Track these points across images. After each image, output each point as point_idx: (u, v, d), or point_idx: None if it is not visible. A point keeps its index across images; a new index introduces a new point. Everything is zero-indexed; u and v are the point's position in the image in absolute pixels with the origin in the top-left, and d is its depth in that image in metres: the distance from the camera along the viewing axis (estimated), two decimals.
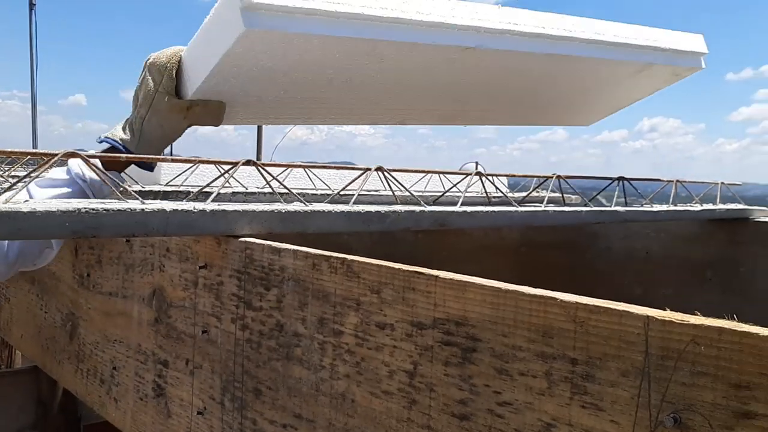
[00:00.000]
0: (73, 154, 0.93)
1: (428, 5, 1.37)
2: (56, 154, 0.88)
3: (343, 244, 2.76)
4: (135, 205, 0.87)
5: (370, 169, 1.23)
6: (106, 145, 1.32)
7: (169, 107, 1.30)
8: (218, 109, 1.37)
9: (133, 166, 1.39)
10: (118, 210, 0.84)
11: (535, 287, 0.63)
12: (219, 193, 1.01)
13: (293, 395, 0.89)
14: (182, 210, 0.90)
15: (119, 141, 1.31)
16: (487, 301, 0.65)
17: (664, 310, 0.54)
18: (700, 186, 1.99)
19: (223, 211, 0.94)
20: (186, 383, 1.12)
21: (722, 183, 1.95)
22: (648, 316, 0.53)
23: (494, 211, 1.37)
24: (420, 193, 2.19)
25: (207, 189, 1.08)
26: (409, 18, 1.34)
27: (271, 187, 1.13)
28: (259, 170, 1.10)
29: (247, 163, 1.08)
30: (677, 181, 1.80)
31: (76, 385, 1.55)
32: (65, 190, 1.23)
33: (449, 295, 0.69)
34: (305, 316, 0.86)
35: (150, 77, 1.31)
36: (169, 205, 0.90)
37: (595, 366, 0.57)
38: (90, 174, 1.24)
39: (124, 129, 1.33)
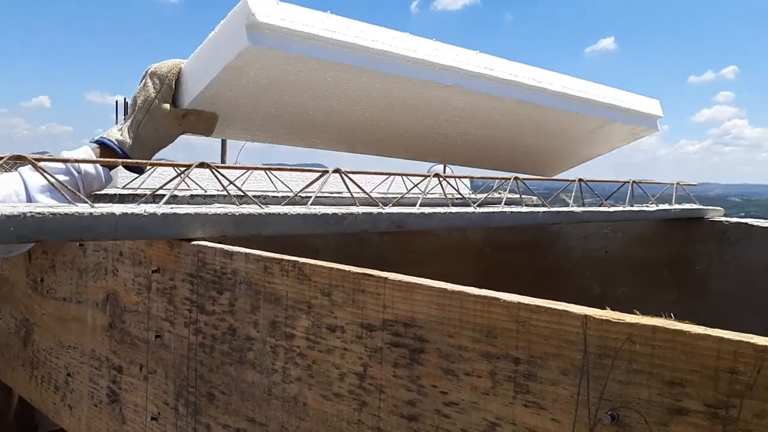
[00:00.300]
0: (19, 157, 0.91)
1: (415, 43, 1.50)
2: (2, 157, 0.86)
3: (310, 245, 2.75)
4: (83, 209, 0.85)
5: (328, 171, 1.23)
6: (94, 146, 1.39)
7: (166, 114, 1.40)
8: (211, 119, 1.48)
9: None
10: (65, 214, 0.83)
11: (499, 287, 0.63)
12: (177, 197, 1.01)
13: (246, 399, 0.88)
14: (132, 213, 0.89)
15: (115, 142, 1.39)
16: (434, 302, 0.66)
17: (621, 309, 0.55)
18: (664, 186, 2.03)
19: (175, 214, 0.93)
20: (140, 389, 1.10)
21: (678, 183, 1.99)
22: (586, 316, 0.54)
23: (452, 213, 1.38)
24: (383, 195, 2.20)
25: (161, 192, 1.07)
26: (397, 52, 1.45)
27: (225, 189, 1.13)
28: (213, 173, 1.10)
29: (201, 165, 1.07)
30: (633, 181, 1.84)
31: (30, 392, 1.52)
32: (62, 177, 1.27)
33: (398, 296, 0.69)
34: (257, 320, 0.86)
35: (151, 85, 1.41)
36: (118, 209, 0.88)
37: (537, 365, 0.58)
38: (86, 167, 1.31)
39: (120, 131, 1.41)
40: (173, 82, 1.42)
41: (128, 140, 1.39)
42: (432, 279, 0.68)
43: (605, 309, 0.55)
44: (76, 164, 1.30)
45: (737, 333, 0.47)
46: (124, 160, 1.34)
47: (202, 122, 1.47)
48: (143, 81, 1.42)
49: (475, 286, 0.64)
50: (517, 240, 2.53)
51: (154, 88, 1.40)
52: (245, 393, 0.88)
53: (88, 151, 1.35)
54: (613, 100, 1.94)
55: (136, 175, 1.60)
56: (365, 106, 1.61)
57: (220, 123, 1.52)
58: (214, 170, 1.09)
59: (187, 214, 0.95)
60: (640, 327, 0.51)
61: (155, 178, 1.76)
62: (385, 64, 1.45)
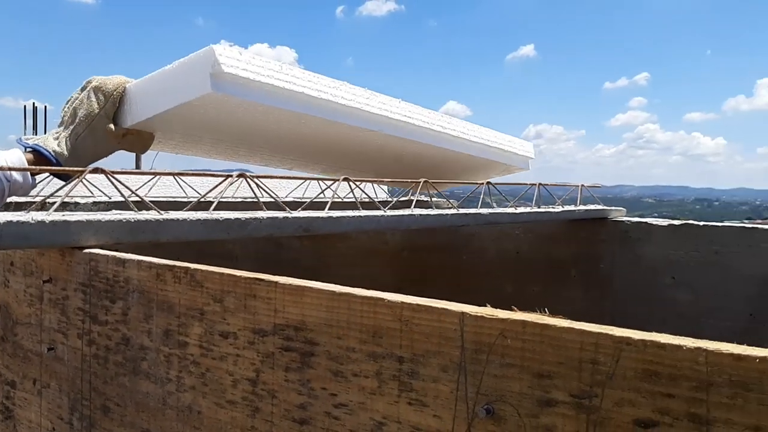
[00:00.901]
0: None
1: (352, 93, 1.69)
2: None
3: (227, 252, 2.71)
4: None
5: (231, 176, 1.22)
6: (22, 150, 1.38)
7: (108, 132, 1.42)
8: (149, 139, 1.53)
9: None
10: None
11: (417, 289, 0.64)
12: (79, 204, 0.97)
13: (141, 410, 0.86)
14: (17, 221, 0.85)
15: (51, 152, 1.38)
16: (323, 304, 0.66)
17: (532, 307, 0.57)
18: (569, 189, 2.10)
19: (65, 221, 0.90)
20: (34, 404, 1.06)
21: (582, 185, 2.06)
22: (463, 313, 0.55)
23: (361, 216, 1.38)
24: (297, 200, 2.19)
25: (52, 199, 1.03)
26: (336, 101, 1.64)
27: (122, 195, 1.09)
28: (108, 178, 1.06)
29: (95, 171, 1.03)
30: (539, 184, 1.89)
31: None
32: None
33: (288, 300, 0.69)
34: (151, 329, 0.84)
35: (95, 99, 1.42)
36: (2, 217, 0.85)
37: (419, 363, 0.59)
38: (16, 176, 1.32)
39: (57, 141, 1.41)
40: (117, 101, 1.44)
41: (65, 152, 1.39)
42: (352, 283, 0.68)
43: (516, 308, 0.57)
44: (9, 173, 1.30)
45: (598, 325, 0.50)
46: (53, 168, 1.33)
47: (141, 142, 1.50)
48: (85, 93, 1.43)
49: (394, 289, 0.64)
50: (434, 242, 2.56)
51: (98, 103, 1.41)
52: (140, 404, 0.86)
53: (19, 156, 1.33)
54: (501, 144, 2.30)
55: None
56: (297, 138, 1.79)
57: (155, 141, 1.59)
58: (109, 176, 1.06)
59: (78, 221, 0.91)
60: (511, 322, 0.53)
61: (56, 185, 1.70)
62: (325, 111, 1.63)
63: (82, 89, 1.44)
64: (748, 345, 0.45)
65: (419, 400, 0.59)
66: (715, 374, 0.44)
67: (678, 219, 2.05)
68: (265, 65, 1.45)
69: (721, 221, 2.05)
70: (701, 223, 1.95)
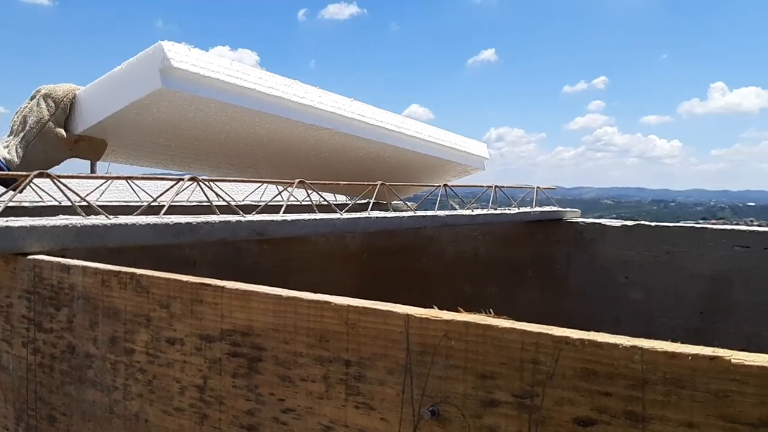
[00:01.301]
0: None
1: (303, 91, 1.70)
2: None
3: (185, 258, 2.67)
4: None
5: (183, 179, 1.20)
6: None
7: (58, 138, 1.42)
8: (101, 146, 1.52)
9: None
10: None
11: (377, 292, 0.64)
12: (27, 208, 0.95)
13: (87, 419, 0.84)
14: None
15: (2, 159, 1.38)
16: (270, 309, 0.65)
17: (490, 309, 0.57)
18: (525, 191, 2.12)
19: (7, 227, 0.88)
20: None
21: (538, 187, 2.09)
22: (408, 315, 0.56)
23: (316, 219, 1.38)
24: (253, 203, 2.17)
25: None
26: (288, 98, 1.64)
27: (69, 200, 1.07)
28: (54, 182, 1.04)
29: (40, 175, 1.01)
30: (496, 186, 1.91)
31: None
32: None
33: (235, 305, 0.68)
34: (96, 336, 0.82)
35: (45, 107, 1.41)
36: None
37: (366, 366, 0.59)
38: None
39: (8, 149, 1.40)
40: (68, 107, 1.43)
41: (15, 159, 1.38)
42: (312, 288, 0.67)
43: (465, 310, 0.57)
44: None
45: (539, 325, 0.50)
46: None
47: (93, 149, 1.50)
48: (35, 101, 1.42)
49: (354, 293, 0.64)
50: (393, 245, 2.57)
51: (48, 110, 1.41)
52: (86, 413, 0.84)
53: None
54: (455, 144, 2.34)
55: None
56: (252, 140, 1.79)
57: (109, 149, 1.58)
58: (54, 180, 1.04)
59: (21, 226, 0.89)
60: (455, 323, 0.53)
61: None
62: (277, 108, 1.64)
63: (32, 98, 1.44)
64: (700, 343, 0.46)
65: (366, 403, 0.58)
66: (650, 372, 0.45)
67: (635, 220, 2.09)
68: (215, 61, 1.45)
69: (677, 222, 2.09)
70: (653, 224, 1.99)
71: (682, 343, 0.46)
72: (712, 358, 0.43)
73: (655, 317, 1.95)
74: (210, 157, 1.96)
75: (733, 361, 0.43)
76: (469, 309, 0.58)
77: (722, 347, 0.45)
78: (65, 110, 1.43)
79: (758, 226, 2.05)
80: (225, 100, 1.49)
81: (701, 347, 0.44)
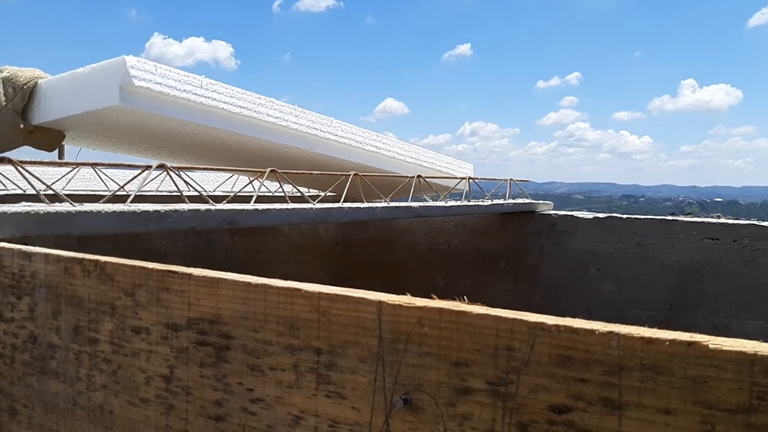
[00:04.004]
0: None
1: (279, 111, 1.64)
2: None
3: (155, 249, 2.63)
4: None
5: (150, 167, 1.17)
6: None
7: (14, 125, 1.38)
8: (57, 138, 1.49)
9: None
10: None
11: (350, 284, 0.62)
12: None
13: (50, 411, 0.81)
14: None
15: None
16: (239, 296, 0.63)
17: (462, 299, 0.55)
18: (498, 183, 2.12)
19: None
20: None
21: (511, 179, 2.09)
22: (380, 302, 0.54)
23: (288, 209, 1.36)
24: (225, 194, 2.14)
25: None
26: (262, 119, 1.59)
27: (34, 187, 1.04)
28: (17, 168, 1.01)
29: (1, 161, 0.98)
30: (470, 178, 1.91)
31: None
32: None
33: (203, 293, 0.66)
34: (59, 325, 0.79)
35: (2, 92, 1.38)
36: None
37: (337, 354, 0.57)
38: None
39: None
40: (27, 95, 1.39)
41: None
42: (285, 279, 0.65)
43: (437, 297, 0.55)
44: None
45: (513, 311, 0.49)
46: None
47: (48, 140, 1.47)
48: None
49: (327, 284, 0.62)
50: (367, 237, 2.56)
51: (6, 96, 1.37)
52: (49, 405, 0.81)
53: None
54: (439, 165, 2.30)
55: None
56: (220, 146, 1.76)
57: (69, 136, 1.57)
58: (17, 166, 1.00)
59: None
60: (428, 310, 0.52)
61: None
62: (248, 128, 1.59)
63: None
64: None
65: (337, 392, 0.57)
66: (627, 358, 0.45)
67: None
68: (184, 80, 1.42)
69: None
70: (624, 216, 2.01)
71: None
72: (690, 344, 0.43)
73: (625, 309, 1.97)
74: (176, 152, 1.92)
75: (710, 346, 0.42)
76: (431, 296, 0.56)
77: None
78: (24, 98, 1.39)
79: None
80: (189, 119, 1.46)
81: (678, 332, 0.44)
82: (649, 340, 0.44)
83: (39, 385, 0.83)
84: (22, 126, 1.37)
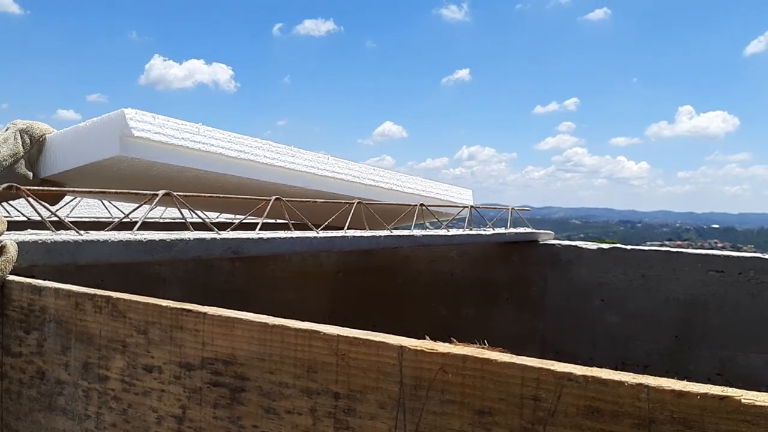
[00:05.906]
0: None
1: (275, 153, 1.69)
2: None
3: (154, 275, 2.61)
4: None
5: (157, 195, 1.17)
6: None
7: (26, 177, 1.41)
8: (60, 193, 1.50)
9: None
10: None
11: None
12: None
13: None
14: None
15: None
16: (255, 337, 0.63)
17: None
18: (500, 211, 2.12)
19: None
20: None
21: (512, 208, 2.09)
22: (402, 346, 0.53)
23: (293, 237, 1.35)
24: (228, 221, 2.14)
25: None
26: (259, 161, 1.63)
27: (40, 215, 1.03)
28: (24, 196, 1.00)
29: (9, 189, 0.97)
30: (471, 207, 1.91)
31: None
32: None
33: (217, 332, 0.65)
34: (68, 361, 0.78)
35: (21, 142, 1.41)
36: None
37: (356, 399, 0.56)
38: None
39: None
40: (42, 147, 1.43)
41: None
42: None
43: (455, 339, 0.55)
44: None
45: (540, 360, 0.48)
46: None
47: (53, 194, 1.47)
48: (11, 133, 1.42)
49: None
50: (370, 265, 2.54)
51: (24, 147, 1.41)
52: None
53: None
54: (438, 193, 2.30)
55: None
56: (220, 188, 1.76)
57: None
58: (25, 193, 1.00)
59: None
60: (451, 356, 0.51)
61: None
62: (246, 170, 1.64)
63: (6, 129, 1.44)
64: (674, 367, 0.45)
65: None
66: (657, 411, 0.44)
67: (603, 240, 2.11)
68: (181, 128, 1.45)
69: (644, 242, 2.11)
70: (629, 247, 2.00)
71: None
72: (722, 398, 0.42)
73: (630, 340, 1.95)
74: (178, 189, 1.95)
75: (743, 401, 0.42)
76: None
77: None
78: (40, 150, 1.43)
79: (730, 250, 2.07)
80: (188, 165, 1.50)
81: (710, 386, 0.43)
82: (680, 394, 0.43)
83: (46, 421, 0.81)
84: (31, 179, 1.41)
